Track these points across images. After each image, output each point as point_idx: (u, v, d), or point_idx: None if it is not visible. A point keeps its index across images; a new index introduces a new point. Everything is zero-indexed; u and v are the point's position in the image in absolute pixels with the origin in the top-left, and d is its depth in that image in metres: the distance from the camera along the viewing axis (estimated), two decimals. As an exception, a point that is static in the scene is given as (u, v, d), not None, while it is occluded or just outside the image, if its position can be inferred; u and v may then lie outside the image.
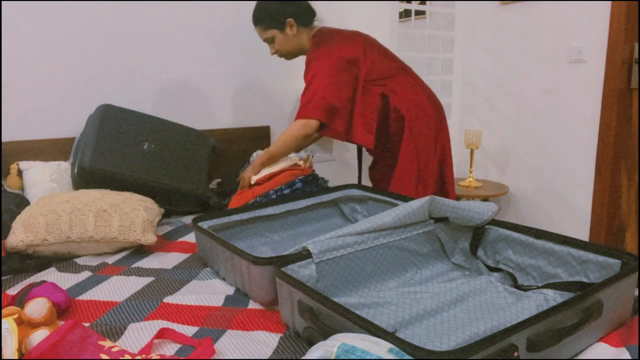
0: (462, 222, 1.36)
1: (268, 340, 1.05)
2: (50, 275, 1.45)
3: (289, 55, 2.10)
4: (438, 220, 1.42)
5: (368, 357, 0.75)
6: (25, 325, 1.04)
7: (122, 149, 1.96)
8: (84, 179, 1.88)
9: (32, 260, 1.53)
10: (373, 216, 1.31)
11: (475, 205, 1.35)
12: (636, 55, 2.38)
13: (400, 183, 2.00)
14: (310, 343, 1.01)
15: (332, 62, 1.93)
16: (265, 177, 1.97)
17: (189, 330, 1.10)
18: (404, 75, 2.03)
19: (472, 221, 1.34)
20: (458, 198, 2.97)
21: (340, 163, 3.02)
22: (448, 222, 1.41)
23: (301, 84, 2.82)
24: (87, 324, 1.14)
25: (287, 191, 1.92)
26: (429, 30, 3.07)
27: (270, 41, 2.06)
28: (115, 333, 1.10)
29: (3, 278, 1.44)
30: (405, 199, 1.67)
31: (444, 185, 2.08)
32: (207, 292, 1.30)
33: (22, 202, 1.85)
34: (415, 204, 1.32)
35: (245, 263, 1.22)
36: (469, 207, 1.33)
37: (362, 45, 1.99)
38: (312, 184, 2.01)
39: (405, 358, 0.76)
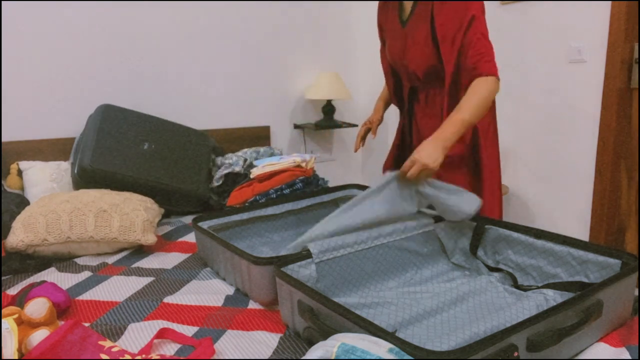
0: (447, 217, 1.37)
1: (268, 340, 1.05)
2: (50, 275, 1.45)
3: None
4: (438, 220, 1.43)
5: (368, 357, 0.75)
6: (25, 325, 1.04)
7: (122, 149, 1.96)
8: (84, 179, 1.88)
9: (32, 260, 1.53)
10: (360, 202, 1.31)
11: (459, 201, 1.32)
12: (636, 55, 2.38)
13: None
14: (310, 343, 1.01)
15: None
16: (266, 174, 1.97)
17: (189, 330, 1.10)
18: None
19: (456, 217, 1.34)
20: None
21: (340, 163, 3.02)
22: (448, 222, 1.41)
23: (300, 85, 2.82)
24: (87, 324, 1.14)
25: (287, 191, 1.92)
26: (429, 30, 3.07)
27: None
28: (115, 333, 1.10)
29: (3, 278, 1.44)
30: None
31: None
32: (207, 292, 1.30)
33: (22, 202, 1.85)
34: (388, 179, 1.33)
35: (245, 263, 1.22)
36: (453, 202, 1.33)
37: None
38: (312, 184, 2.01)
39: (405, 358, 0.76)
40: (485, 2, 1.79)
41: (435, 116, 1.67)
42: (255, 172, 1.96)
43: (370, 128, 1.94)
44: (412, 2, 1.66)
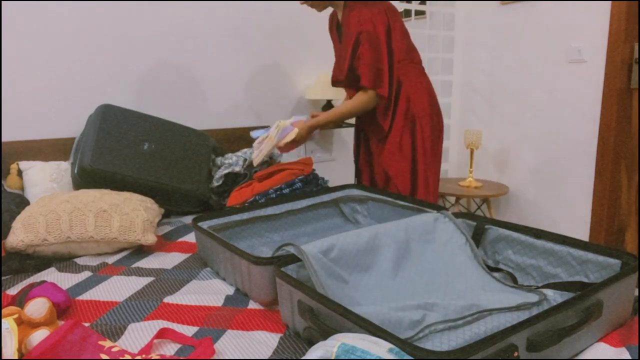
0: None
1: (268, 340, 1.05)
2: (50, 275, 1.45)
3: (320, 4, 1.90)
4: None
5: (368, 357, 0.75)
6: (25, 325, 1.04)
7: (122, 149, 1.96)
8: (84, 179, 1.88)
9: (32, 260, 1.53)
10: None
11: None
12: (636, 55, 2.38)
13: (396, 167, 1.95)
14: (310, 343, 1.01)
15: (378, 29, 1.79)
16: (265, 173, 1.97)
17: (189, 330, 1.10)
18: (415, 65, 1.94)
19: None
20: (458, 198, 2.97)
21: (340, 163, 3.02)
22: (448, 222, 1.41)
23: (300, 85, 2.82)
24: (87, 324, 1.14)
25: (286, 190, 1.92)
26: (429, 30, 3.07)
27: None
28: (115, 333, 1.10)
29: (3, 278, 1.44)
30: (405, 198, 1.67)
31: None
32: (207, 292, 1.30)
33: (22, 202, 1.85)
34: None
35: (245, 263, 1.22)
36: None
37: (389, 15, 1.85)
38: (312, 183, 2.01)
39: (405, 358, 0.76)
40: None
41: (374, 120, 1.95)
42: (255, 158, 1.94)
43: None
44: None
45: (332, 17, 2.02)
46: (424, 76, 1.97)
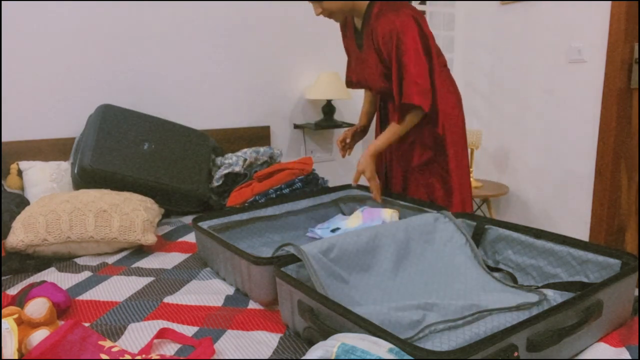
0: None
1: (268, 340, 1.05)
2: (50, 275, 1.45)
3: (339, 13, 1.74)
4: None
5: (368, 357, 0.75)
6: (25, 325, 1.04)
7: (122, 149, 1.96)
8: (84, 179, 1.88)
9: (32, 260, 1.53)
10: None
11: None
12: (636, 55, 2.38)
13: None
14: (310, 343, 1.01)
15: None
16: (264, 174, 1.97)
17: (189, 330, 1.10)
18: (443, 69, 1.83)
19: None
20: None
21: (340, 163, 3.02)
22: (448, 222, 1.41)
23: (300, 85, 2.82)
24: (87, 324, 1.14)
25: (286, 190, 1.92)
26: (429, 30, 3.06)
27: None
28: (115, 333, 1.10)
29: (3, 278, 1.43)
30: (405, 198, 1.67)
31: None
32: (207, 292, 1.30)
33: (22, 202, 1.85)
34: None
35: (246, 263, 1.22)
36: None
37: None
38: (312, 183, 2.01)
39: (405, 358, 0.76)
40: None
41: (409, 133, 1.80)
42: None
43: (349, 137, 1.93)
44: (361, 25, 1.78)
45: (347, 23, 1.89)
46: (450, 79, 1.87)
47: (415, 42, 1.64)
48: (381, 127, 1.97)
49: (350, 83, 1.95)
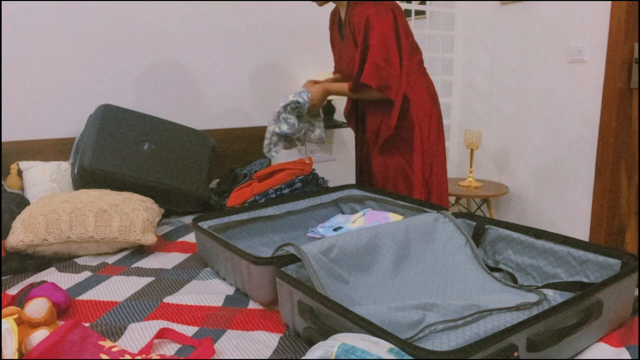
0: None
1: (268, 341, 1.05)
2: (50, 275, 1.45)
3: None
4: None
5: (368, 357, 0.75)
6: (25, 325, 1.04)
7: (122, 149, 1.96)
8: (84, 179, 1.88)
9: (32, 260, 1.53)
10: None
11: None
12: (636, 55, 2.38)
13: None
14: (310, 343, 1.01)
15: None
16: (264, 174, 1.97)
17: (189, 330, 1.10)
18: (417, 66, 1.92)
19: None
20: (458, 198, 2.97)
21: (340, 163, 3.02)
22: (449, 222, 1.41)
23: (300, 85, 2.82)
24: (87, 324, 1.14)
25: (286, 191, 1.92)
26: (429, 30, 3.07)
27: None
28: (115, 333, 1.10)
29: (3, 278, 1.43)
30: (405, 199, 1.67)
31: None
32: (207, 292, 1.30)
33: (22, 202, 1.85)
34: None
35: (246, 263, 1.22)
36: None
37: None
38: (312, 183, 2.01)
39: (405, 358, 0.76)
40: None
41: (378, 112, 1.94)
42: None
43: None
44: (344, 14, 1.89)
45: (334, 14, 2.02)
46: (425, 77, 1.95)
47: (383, 29, 1.75)
48: (357, 128, 2.11)
49: (340, 72, 2.08)
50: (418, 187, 1.92)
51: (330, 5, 2.04)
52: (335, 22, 2.00)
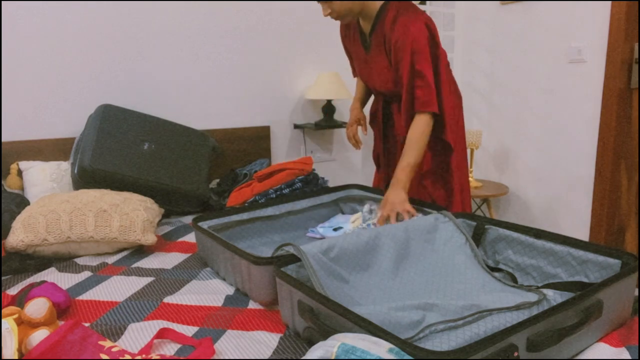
0: None
1: (268, 341, 1.05)
2: (50, 275, 1.45)
3: (348, 15, 1.69)
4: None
5: (368, 357, 0.75)
6: (25, 325, 1.04)
7: (122, 149, 1.96)
8: (84, 179, 1.88)
9: (32, 260, 1.53)
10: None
11: None
12: (636, 55, 2.38)
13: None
14: (311, 343, 1.01)
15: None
16: (264, 174, 1.97)
17: (189, 330, 1.10)
18: (448, 70, 1.86)
19: None
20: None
21: (340, 163, 3.02)
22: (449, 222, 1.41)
23: (300, 85, 2.82)
24: (87, 324, 1.14)
25: (286, 191, 1.92)
26: (429, 30, 3.06)
27: None
28: (115, 333, 1.10)
29: (3, 278, 1.43)
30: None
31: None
32: (207, 292, 1.30)
33: (22, 202, 1.85)
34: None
35: (246, 263, 1.22)
36: None
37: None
38: (312, 183, 2.01)
39: (405, 358, 0.75)
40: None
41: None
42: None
43: (359, 126, 2.01)
44: (369, 28, 1.77)
45: (350, 24, 1.87)
46: (452, 80, 1.91)
47: (428, 50, 1.66)
48: (384, 129, 1.98)
49: (366, 83, 1.94)
50: (457, 193, 1.85)
51: None
52: (354, 34, 1.85)
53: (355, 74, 2.01)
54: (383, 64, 1.76)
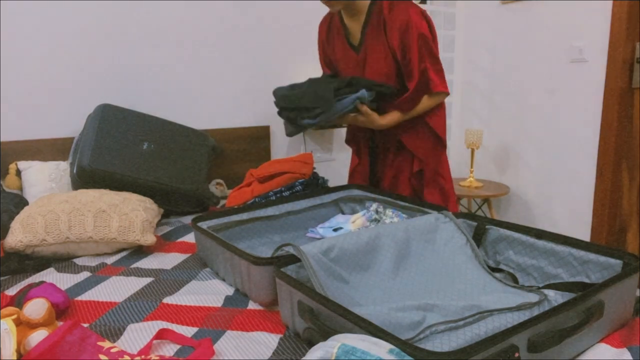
0: None
1: (268, 341, 1.05)
2: (49, 275, 1.45)
3: (338, 4, 1.70)
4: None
5: (368, 358, 0.74)
6: (24, 325, 1.04)
7: (121, 149, 1.95)
8: (83, 179, 1.88)
9: (31, 261, 1.53)
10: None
11: None
12: (637, 55, 2.37)
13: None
14: (311, 344, 1.01)
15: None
16: (266, 175, 1.97)
17: (188, 331, 1.10)
18: None
19: None
20: (459, 198, 2.96)
21: (341, 163, 3.02)
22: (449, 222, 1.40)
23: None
24: (86, 325, 1.14)
25: (286, 193, 1.92)
26: (429, 30, 3.06)
27: None
28: (115, 333, 1.10)
29: (2, 278, 1.43)
30: (405, 199, 1.67)
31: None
32: (207, 292, 1.30)
33: (20, 202, 1.85)
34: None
35: (245, 263, 1.21)
36: None
37: None
38: (312, 184, 2.00)
39: (405, 359, 0.75)
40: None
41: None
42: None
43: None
44: (360, 26, 1.76)
45: (328, 24, 1.89)
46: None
47: (430, 35, 1.70)
48: (372, 137, 1.97)
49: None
50: (452, 196, 1.88)
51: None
52: (338, 38, 1.85)
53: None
54: (381, 54, 1.74)
